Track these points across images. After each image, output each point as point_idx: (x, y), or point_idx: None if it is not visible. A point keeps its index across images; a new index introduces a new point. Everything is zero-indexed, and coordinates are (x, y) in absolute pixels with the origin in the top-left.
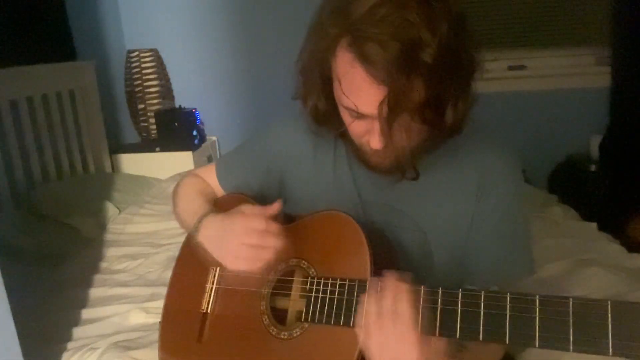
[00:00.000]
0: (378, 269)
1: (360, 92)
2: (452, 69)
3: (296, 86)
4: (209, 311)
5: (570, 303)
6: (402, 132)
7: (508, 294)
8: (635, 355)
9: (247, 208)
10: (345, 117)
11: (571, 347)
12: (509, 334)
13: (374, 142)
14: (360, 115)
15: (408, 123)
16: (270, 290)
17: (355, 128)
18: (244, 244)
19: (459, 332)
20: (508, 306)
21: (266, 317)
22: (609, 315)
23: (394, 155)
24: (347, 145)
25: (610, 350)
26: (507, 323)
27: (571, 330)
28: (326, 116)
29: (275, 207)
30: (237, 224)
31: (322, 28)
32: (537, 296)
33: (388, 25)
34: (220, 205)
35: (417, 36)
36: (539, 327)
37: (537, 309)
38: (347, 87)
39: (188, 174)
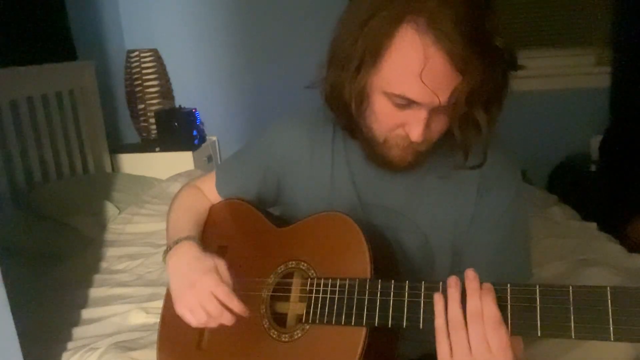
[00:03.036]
0: (378, 270)
1: (436, 78)
2: (508, 62)
3: (324, 75)
4: None
5: (570, 291)
6: (441, 125)
7: (508, 285)
8: (636, 340)
9: (222, 268)
10: (383, 105)
11: (573, 335)
12: (511, 324)
13: (416, 133)
14: (407, 104)
15: (456, 115)
16: (270, 294)
17: (392, 118)
18: (201, 306)
19: None
20: (509, 297)
21: (266, 320)
22: (609, 301)
23: (421, 149)
24: (346, 145)
25: (612, 335)
26: (509, 314)
27: (572, 317)
28: (357, 105)
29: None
30: (205, 282)
31: (380, 8)
32: (537, 286)
33: (462, 11)
34: (216, 213)
35: (489, 24)
36: (540, 316)
37: (538, 299)
38: (425, 72)
39: (188, 184)
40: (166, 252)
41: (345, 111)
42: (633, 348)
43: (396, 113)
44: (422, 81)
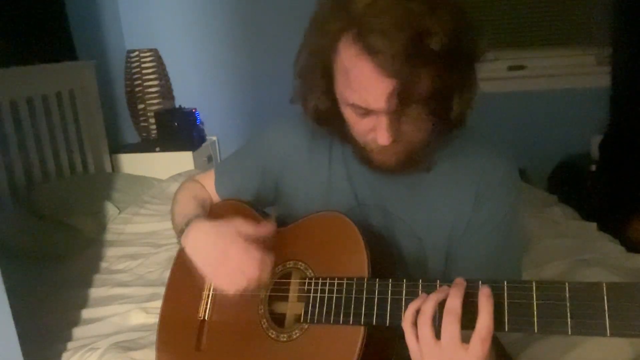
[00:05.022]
0: (375, 269)
1: (368, 86)
2: (458, 56)
3: (295, 88)
4: (206, 318)
5: (567, 287)
6: (409, 126)
7: (505, 282)
8: (632, 335)
9: (242, 225)
10: (349, 115)
11: (570, 331)
12: (507, 321)
13: (382, 138)
14: (366, 112)
15: (416, 115)
16: (268, 294)
17: (360, 126)
18: (240, 271)
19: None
20: (505, 294)
21: (265, 320)
22: (605, 297)
23: (400, 151)
24: (344, 146)
25: (608, 331)
26: (506, 311)
27: (569, 313)
28: (328, 116)
29: (269, 228)
30: (234, 249)
31: (322, 25)
32: (534, 282)
33: (392, 16)
34: (215, 212)
35: (423, 25)
36: (537, 312)
37: (534, 295)
38: (354, 82)
39: (189, 178)
40: (179, 235)
41: (324, 121)
42: (632, 348)
43: (361, 120)
44: (352, 89)
